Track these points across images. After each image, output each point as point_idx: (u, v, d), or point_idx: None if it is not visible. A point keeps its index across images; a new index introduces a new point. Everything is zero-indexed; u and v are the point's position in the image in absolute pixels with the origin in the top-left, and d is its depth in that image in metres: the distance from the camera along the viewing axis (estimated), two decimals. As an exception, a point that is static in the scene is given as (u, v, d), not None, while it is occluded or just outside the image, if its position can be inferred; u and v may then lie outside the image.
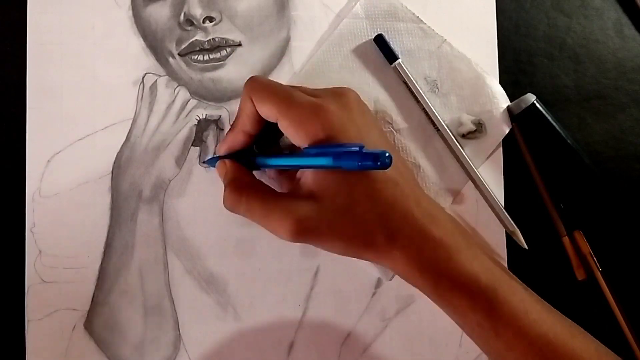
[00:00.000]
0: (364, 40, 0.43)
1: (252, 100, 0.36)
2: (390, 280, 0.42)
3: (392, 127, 0.43)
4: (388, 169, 0.32)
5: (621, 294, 0.42)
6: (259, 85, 0.36)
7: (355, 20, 0.43)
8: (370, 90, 0.43)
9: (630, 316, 0.42)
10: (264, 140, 0.39)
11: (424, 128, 0.43)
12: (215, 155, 0.41)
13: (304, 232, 0.34)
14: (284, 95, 0.35)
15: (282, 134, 0.36)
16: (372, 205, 0.34)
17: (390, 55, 0.42)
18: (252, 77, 0.37)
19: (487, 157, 0.43)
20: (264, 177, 0.41)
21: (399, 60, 0.42)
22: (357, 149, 0.32)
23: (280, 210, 0.34)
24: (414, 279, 0.35)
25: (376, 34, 0.42)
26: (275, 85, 0.36)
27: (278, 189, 0.39)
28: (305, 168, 0.35)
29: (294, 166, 0.36)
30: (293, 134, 0.35)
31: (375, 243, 0.34)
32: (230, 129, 0.39)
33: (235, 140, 0.38)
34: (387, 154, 0.30)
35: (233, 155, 0.39)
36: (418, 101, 0.42)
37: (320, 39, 0.43)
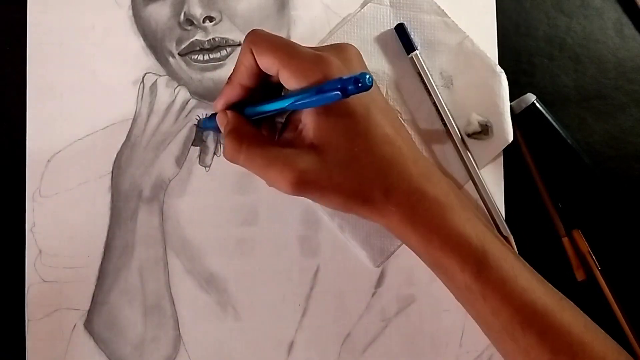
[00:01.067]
0: (385, 27, 0.43)
1: (252, 53, 0.35)
2: (378, 267, 0.42)
3: (401, 117, 0.43)
4: (387, 129, 0.33)
5: (621, 293, 0.42)
6: (259, 38, 0.35)
7: (379, 5, 0.43)
8: (384, 77, 0.43)
9: (630, 315, 0.42)
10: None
11: (432, 122, 0.43)
12: (212, 113, 0.40)
13: (304, 184, 0.33)
14: (286, 47, 0.35)
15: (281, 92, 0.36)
16: (371, 162, 0.34)
17: (408, 46, 0.42)
18: (253, 30, 0.36)
19: (489, 161, 0.43)
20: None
21: (417, 52, 0.42)
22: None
23: (282, 161, 0.34)
24: (407, 236, 0.35)
25: (398, 22, 0.43)
26: (277, 37, 0.36)
27: None
28: (294, 107, 0.34)
29: (283, 108, 0.35)
30: (294, 84, 0.34)
31: (373, 199, 0.34)
32: (227, 83, 0.38)
33: (232, 93, 0.37)
34: (367, 75, 0.30)
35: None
36: (430, 94, 0.42)
37: (343, 20, 0.43)
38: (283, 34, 0.43)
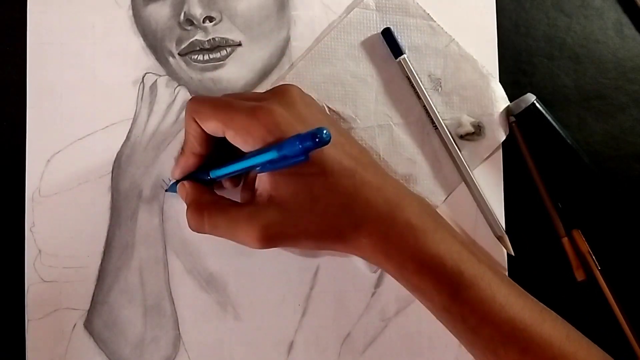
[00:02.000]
0: (372, 32, 0.43)
1: (195, 121, 0.36)
2: (375, 272, 0.42)
3: (391, 121, 0.43)
4: (344, 162, 0.33)
5: (621, 293, 0.42)
6: (199, 104, 0.36)
7: (365, 10, 0.43)
8: (373, 82, 0.43)
9: (630, 315, 0.42)
10: (220, 161, 0.38)
11: (422, 125, 0.43)
12: (173, 181, 0.41)
13: (271, 238, 0.34)
14: (224, 107, 0.35)
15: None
16: (333, 198, 0.34)
17: (396, 50, 0.42)
18: (192, 97, 0.37)
19: (483, 160, 0.43)
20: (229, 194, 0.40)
21: (405, 56, 0.42)
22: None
23: (245, 221, 0.34)
24: (382, 264, 0.35)
25: (385, 26, 0.43)
26: (215, 99, 0.36)
27: None
28: (254, 169, 0.34)
29: (243, 169, 0.35)
30: (242, 143, 0.34)
31: (343, 235, 0.34)
32: (180, 153, 0.40)
33: (187, 163, 0.38)
34: (324, 130, 0.29)
35: (190, 177, 0.39)
36: (419, 98, 0.42)
37: (329, 26, 0.43)
38: (283, 34, 0.43)
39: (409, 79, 0.42)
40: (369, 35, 0.43)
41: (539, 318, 0.35)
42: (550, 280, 0.43)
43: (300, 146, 0.30)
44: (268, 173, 0.34)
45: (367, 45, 0.43)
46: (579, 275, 0.42)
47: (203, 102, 0.36)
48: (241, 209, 0.35)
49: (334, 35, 0.43)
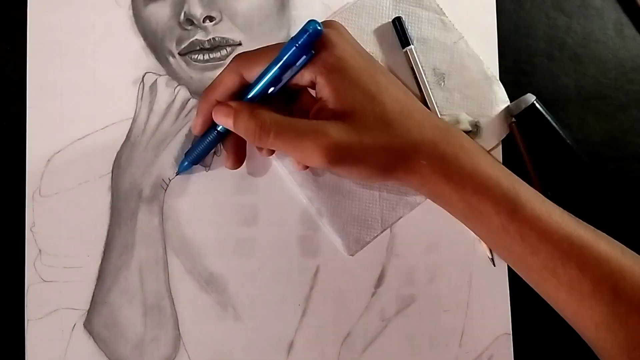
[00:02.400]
0: (383, 18, 0.43)
1: (235, 74, 0.36)
2: (352, 255, 0.42)
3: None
4: (393, 88, 0.36)
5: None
6: (246, 55, 0.37)
7: None
8: None
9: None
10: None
11: None
12: (185, 162, 0.41)
13: (339, 154, 0.34)
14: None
15: None
16: (393, 119, 0.35)
17: (404, 40, 0.42)
18: (239, 54, 0.37)
19: None
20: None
21: (412, 47, 0.42)
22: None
23: (314, 133, 0.33)
24: (440, 187, 0.35)
25: (396, 15, 0.43)
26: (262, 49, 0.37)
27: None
28: (285, 72, 0.35)
29: (277, 76, 0.35)
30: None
31: (404, 157, 0.35)
32: (203, 99, 0.38)
33: (228, 82, 0.37)
34: (311, 21, 0.33)
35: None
36: (421, 90, 0.42)
37: (342, 7, 0.43)
38: (283, 34, 0.43)
39: (413, 70, 0.42)
40: (379, 21, 0.43)
41: (594, 236, 0.35)
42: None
43: (297, 44, 0.33)
44: (333, 91, 0.35)
45: (376, 31, 0.43)
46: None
47: (252, 52, 0.37)
48: (309, 121, 0.35)
49: (345, 15, 0.43)
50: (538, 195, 0.36)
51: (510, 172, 0.37)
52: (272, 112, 0.35)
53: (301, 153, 0.34)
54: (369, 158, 0.35)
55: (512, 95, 0.43)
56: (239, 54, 0.37)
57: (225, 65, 0.37)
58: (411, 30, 0.43)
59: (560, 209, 0.36)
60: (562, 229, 0.34)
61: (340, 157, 0.34)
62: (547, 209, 0.35)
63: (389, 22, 0.43)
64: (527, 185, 0.36)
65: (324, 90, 0.35)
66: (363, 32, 0.43)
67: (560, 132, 0.42)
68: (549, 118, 0.42)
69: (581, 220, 0.36)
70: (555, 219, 0.35)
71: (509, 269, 0.42)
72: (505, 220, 0.34)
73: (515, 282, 0.42)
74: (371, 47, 0.43)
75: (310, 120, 0.36)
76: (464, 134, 0.38)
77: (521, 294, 0.42)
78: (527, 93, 0.43)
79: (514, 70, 0.44)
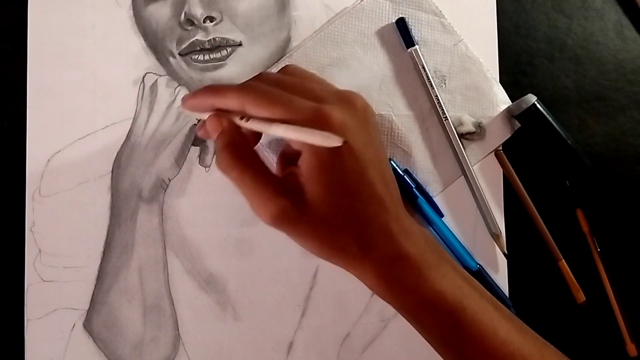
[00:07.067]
0: (383, 22, 0.43)
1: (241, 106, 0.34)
2: None
3: (392, 112, 0.43)
4: (378, 188, 0.33)
5: (620, 292, 0.42)
6: (252, 91, 0.34)
7: (378, 0, 0.43)
8: (379, 71, 0.43)
9: (631, 315, 0.42)
10: None
11: (424, 118, 0.43)
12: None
13: (284, 221, 0.33)
14: (283, 103, 0.33)
15: None
16: (354, 219, 0.33)
17: (408, 40, 0.43)
18: (245, 83, 0.35)
19: (479, 161, 0.43)
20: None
21: (416, 47, 0.42)
22: None
23: (270, 192, 0.33)
24: (382, 293, 0.35)
25: (397, 17, 0.43)
26: (270, 91, 0.34)
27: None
28: None
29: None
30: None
31: (349, 252, 0.34)
32: (204, 96, 0.36)
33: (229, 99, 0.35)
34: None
35: None
36: (426, 90, 0.42)
37: (342, 11, 0.43)
38: (284, 34, 0.43)
39: (417, 71, 0.42)
40: (379, 24, 0.43)
41: (539, 353, 0.35)
42: (551, 279, 0.43)
43: None
44: (309, 170, 0.33)
45: (377, 34, 0.43)
46: (579, 298, 0.42)
47: (258, 88, 0.34)
48: (272, 178, 0.34)
49: (345, 20, 0.43)
50: (488, 309, 0.35)
51: (463, 282, 0.35)
52: (250, 150, 0.35)
53: (252, 203, 0.34)
54: (310, 239, 0.34)
55: (513, 96, 0.43)
56: (246, 88, 0.35)
57: (241, 87, 0.35)
58: (411, 32, 0.43)
59: (510, 321, 0.35)
60: (505, 347, 0.34)
61: (284, 226, 0.33)
62: (494, 325, 0.34)
63: (389, 24, 0.43)
64: (480, 295, 0.35)
65: (303, 162, 0.34)
66: (363, 35, 0.43)
67: (561, 133, 0.42)
68: (549, 118, 0.42)
69: (529, 333, 0.36)
70: (500, 337, 0.34)
71: (509, 269, 0.42)
72: (448, 336, 0.34)
73: (515, 282, 0.42)
74: (371, 49, 0.43)
75: (274, 179, 0.34)
76: (424, 236, 0.36)
77: (521, 294, 0.42)
78: (527, 94, 0.43)
79: (514, 71, 0.44)
